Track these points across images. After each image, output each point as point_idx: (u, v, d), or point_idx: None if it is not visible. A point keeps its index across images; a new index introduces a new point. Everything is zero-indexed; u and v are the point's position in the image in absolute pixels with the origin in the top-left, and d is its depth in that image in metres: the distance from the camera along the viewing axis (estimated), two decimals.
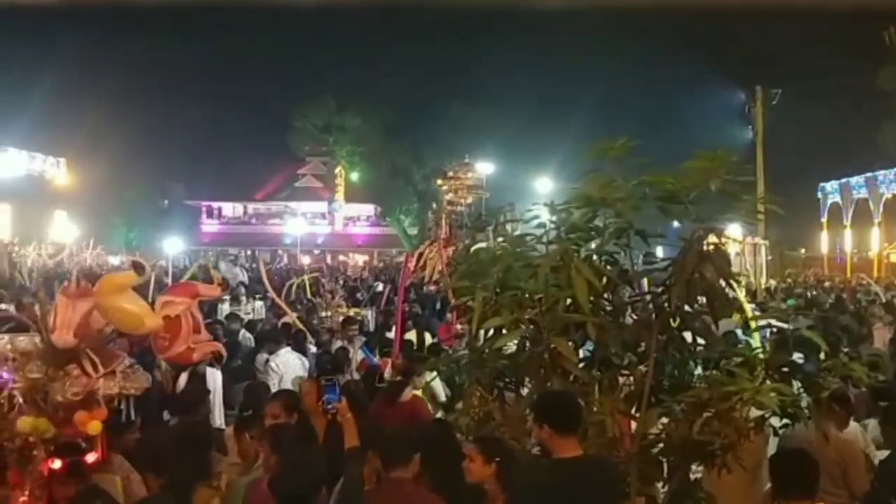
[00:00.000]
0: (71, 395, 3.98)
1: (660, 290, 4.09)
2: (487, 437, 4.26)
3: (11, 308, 12.27)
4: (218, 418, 8.03)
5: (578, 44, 47.92)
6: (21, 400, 3.99)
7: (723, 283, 3.99)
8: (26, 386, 4.00)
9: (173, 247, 35.69)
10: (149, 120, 47.16)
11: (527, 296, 3.98)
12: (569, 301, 3.90)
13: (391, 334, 10.73)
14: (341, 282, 22.33)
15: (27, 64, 47.68)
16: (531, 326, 3.96)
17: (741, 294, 5.51)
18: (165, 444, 4.85)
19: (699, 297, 4.00)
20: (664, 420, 4.16)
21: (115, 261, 29.81)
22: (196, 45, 52.22)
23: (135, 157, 45.23)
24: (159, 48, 50.67)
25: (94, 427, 4.02)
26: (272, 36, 53.04)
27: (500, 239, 4.54)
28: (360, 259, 48.56)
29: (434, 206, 43.88)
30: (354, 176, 50.78)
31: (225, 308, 15.35)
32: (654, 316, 4.06)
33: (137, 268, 4.19)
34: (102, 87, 45.06)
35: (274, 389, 7.34)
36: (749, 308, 6.57)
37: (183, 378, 7.62)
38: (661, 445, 4.17)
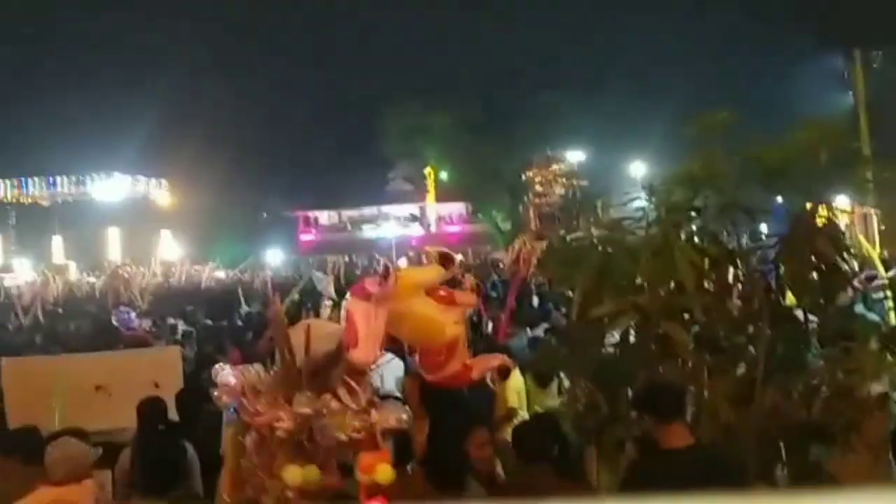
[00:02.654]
0: (352, 433, 3.13)
1: (769, 267, 3.95)
2: None
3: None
4: None
5: (664, 15, 46.90)
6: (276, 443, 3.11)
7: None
8: (297, 425, 3.11)
9: (275, 258, 36.67)
10: (244, 135, 48.58)
11: (628, 282, 3.90)
12: (672, 284, 3.80)
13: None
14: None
15: (126, 93, 49.78)
16: (637, 313, 3.87)
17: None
18: None
19: (811, 273, 3.85)
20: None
21: (221, 275, 30.77)
22: (284, 57, 53.47)
23: (233, 173, 46.65)
24: (247, 64, 52.13)
25: (386, 473, 3.16)
26: (357, 41, 53.86)
27: (594, 229, 4.46)
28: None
29: (525, 199, 43.64)
30: (444, 175, 51.02)
31: (324, 315, 15.58)
32: (763, 295, 3.92)
33: (446, 260, 3.41)
34: (198, 108, 46.67)
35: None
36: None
37: None
38: (779, 428, 4.02)
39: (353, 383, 3.22)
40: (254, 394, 3.24)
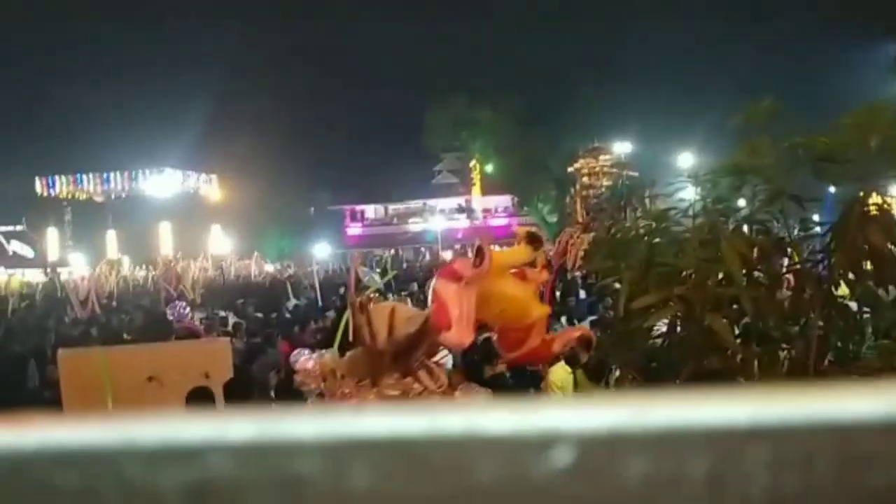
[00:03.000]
0: None
1: (819, 257, 3.87)
2: None
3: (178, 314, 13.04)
4: None
5: (712, 4, 46.20)
6: None
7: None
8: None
9: (322, 251, 37.02)
10: (291, 131, 49.08)
11: (675, 273, 3.85)
12: (720, 275, 3.74)
13: None
14: None
15: (177, 90, 50.58)
16: (682, 304, 3.82)
17: None
18: None
19: (864, 263, 3.75)
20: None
21: (269, 268, 31.16)
22: (331, 53, 53.83)
23: (281, 169, 47.17)
24: (295, 60, 52.59)
25: None
26: (402, 34, 54.00)
27: (640, 220, 4.41)
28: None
29: (572, 191, 43.35)
30: (489, 168, 50.95)
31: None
32: (815, 285, 3.84)
33: (533, 240, 3.33)
34: (246, 105, 47.26)
35: None
36: None
37: None
38: None
39: (433, 365, 3.24)
40: (335, 377, 3.24)
